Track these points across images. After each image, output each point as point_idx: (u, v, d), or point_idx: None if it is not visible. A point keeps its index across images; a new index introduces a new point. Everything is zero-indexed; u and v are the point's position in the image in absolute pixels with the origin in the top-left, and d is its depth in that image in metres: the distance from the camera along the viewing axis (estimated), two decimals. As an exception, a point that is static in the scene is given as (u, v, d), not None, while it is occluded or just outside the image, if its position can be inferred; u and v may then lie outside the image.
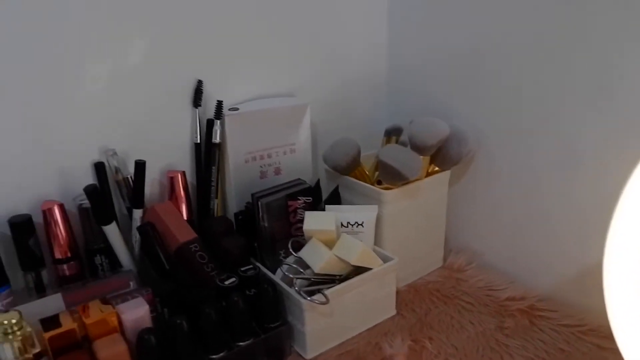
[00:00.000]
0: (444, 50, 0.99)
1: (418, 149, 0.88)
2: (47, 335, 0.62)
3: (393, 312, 0.88)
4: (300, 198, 0.83)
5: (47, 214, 0.71)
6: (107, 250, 0.77)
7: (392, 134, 1.01)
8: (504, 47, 0.87)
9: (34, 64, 0.70)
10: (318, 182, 0.95)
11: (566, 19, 0.77)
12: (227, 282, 0.74)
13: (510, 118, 0.89)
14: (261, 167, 0.92)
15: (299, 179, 0.88)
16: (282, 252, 0.85)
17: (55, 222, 0.72)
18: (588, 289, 0.82)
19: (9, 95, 0.70)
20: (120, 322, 0.66)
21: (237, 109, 0.87)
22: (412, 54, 1.07)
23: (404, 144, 0.99)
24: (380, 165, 0.86)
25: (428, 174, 0.93)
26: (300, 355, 0.79)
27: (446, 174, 0.95)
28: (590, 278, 0.80)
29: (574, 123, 0.80)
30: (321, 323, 0.78)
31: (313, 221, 0.80)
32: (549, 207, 0.87)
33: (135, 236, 0.79)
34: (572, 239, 0.85)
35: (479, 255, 1.01)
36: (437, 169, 0.94)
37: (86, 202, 0.74)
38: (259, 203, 0.80)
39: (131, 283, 0.75)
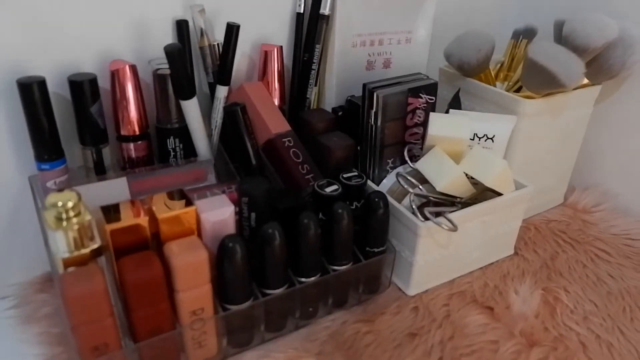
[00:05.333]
0: None
1: (576, 51, 0.68)
2: (110, 227, 0.48)
3: (511, 251, 0.73)
4: (422, 96, 0.66)
5: (116, 76, 0.56)
6: (183, 132, 0.61)
7: (524, 36, 0.81)
8: None
9: None
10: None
11: None
12: (328, 190, 0.59)
13: None
14: (369, 55, 0.74)
15: (419, 73, 0.70)
16: (390, 160, 0.68)
17: (125, 88, 0.56)
18: None
19: None
20: (198, 223, 0.52)
21: (353, -25, 0.68)
22: None
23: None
24: (528, 66, 0.67)
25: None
26: (400, 290, 0.65)
27: (596, 90, 0.76)
28: None
29: None
30: (434, 254, 0.63)
31: (442, 125, 0.63)
32: None
33: (216, 120, 0.64)
34: None
35: (612, 196, 0.84)
36: (585, 81, 0.75)
37: (164, 68, 0.58)
38: (375, 96, 0.63)
39: (209, 176, 0.60)
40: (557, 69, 0.64)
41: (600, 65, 0.72)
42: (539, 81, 0.67)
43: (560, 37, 0.70)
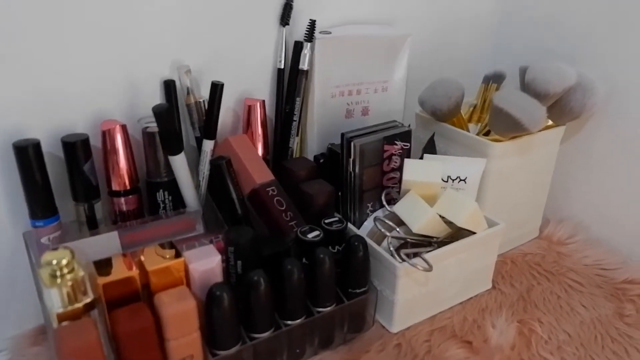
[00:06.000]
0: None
1: (538, 96, 0.73)
2: (102, 281, 0.51)
3: (489, 285, 0.76)
4: (397, 143, 0.70)
5: (107, 136, 0.59)
6: (172, 185, 0.65)
7: (493, 81, 0.86)
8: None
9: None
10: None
11: None
12: (310, 235, 0.62)
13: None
14: (348, 104, 0.79)
15: (395, 120, 0.74)
16: (370, 204, 0.72)
17: (116, 146, 0.60)
18: None
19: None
20: (187, 273, 0.55)
21: (329, 33, 0.73)
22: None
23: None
24: (493, 112, 0.71)
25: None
26: (384, 328, 0.68)
27: (560, 130, 0.81)
28: None
29: None
30: (414, 292, 0.66)
31: (415, 170, 0.67)
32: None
33: (203, 172, 0.67)
34: None
35: (584, 228, 0.88)
36: (550, 122, 0.80)
37: (152, 126, 0.61)
38: (352, 145, 0.67)
39: (197, 226, 0.63)
40: (520, 115, 0.69)
41: (562, 109, 0.77)
42: (505, 126, 0.71)
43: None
